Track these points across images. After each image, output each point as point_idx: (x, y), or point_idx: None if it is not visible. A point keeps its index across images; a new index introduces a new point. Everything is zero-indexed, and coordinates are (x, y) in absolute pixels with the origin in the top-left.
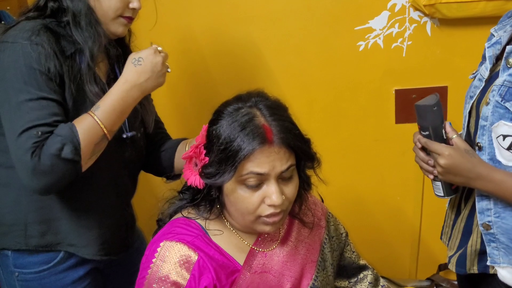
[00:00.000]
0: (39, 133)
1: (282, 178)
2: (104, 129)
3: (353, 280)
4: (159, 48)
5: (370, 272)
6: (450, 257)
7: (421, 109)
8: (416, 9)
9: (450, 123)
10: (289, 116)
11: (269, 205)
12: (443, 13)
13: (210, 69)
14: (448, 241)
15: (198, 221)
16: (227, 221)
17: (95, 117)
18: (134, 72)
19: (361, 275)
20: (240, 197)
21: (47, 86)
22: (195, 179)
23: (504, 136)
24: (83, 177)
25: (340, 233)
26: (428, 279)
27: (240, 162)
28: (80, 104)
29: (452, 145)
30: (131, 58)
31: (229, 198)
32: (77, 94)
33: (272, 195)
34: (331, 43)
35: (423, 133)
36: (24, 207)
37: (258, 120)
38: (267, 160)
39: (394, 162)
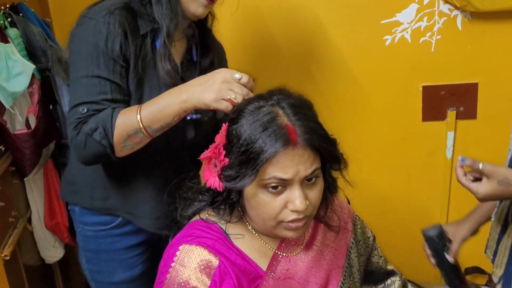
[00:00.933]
0: (85, 109)
1: (306, 182)
2: (141, 123)
3: (380, 286)
4: (244, 79)
5: (398, 278)
6: (499, 277)
7: (427, 238)
8: (446, 1)
9: (465, 159)
10: (314, 114)
11: (292, 211)
12: (475, 6)
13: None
14: (494, 257)
15: (219, 223)
16: (249, 224)
17: (138, 109)
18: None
19: (389, 281)
20: (262, 202)
21: (106, 65)
22: (214, 181)
23: None
24: (142, 152)
25: (367, 237)
26: None
27: (261, 166)
28: (145, 83)
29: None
30: None
31: (250, 202)
32: (143, 73)
33: (296, 201)
34: (356, 37)
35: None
36: (92, 172)
37: (281, 120)
38: (290, 164)
39: (421, 161)
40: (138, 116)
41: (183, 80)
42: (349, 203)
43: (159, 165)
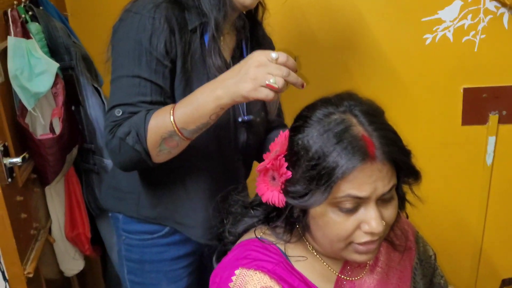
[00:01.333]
0: (120, 112)
1: (382, 200)
2: (175, 125)
3: None
4: (282, 58)
5: None
6: None
7: None
8: None
9: None
10: (388, 123)
11: (366, 232)
12: None
13: None
14: None
15: (278, 244)
16: (309, 244)
17: (171, 110)
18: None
19: None
20: (332, 222)
21: (148, 65)
22: (272, 196)
23: None
24: (192, 157)
25: (429, 256)
26: None
27: (336, 182)
28: (194, 83)
29: None
30: None
31: (317, 222)
32: (192, 72)
33: (372, 221)
34: (395, 35)
35: None
36: (139, 177)
37: (355, 130)
38: (368, 181)
39: (459, 167)
40: (172, 117)
41: None
42: (407, 217)
43: (210, 171)
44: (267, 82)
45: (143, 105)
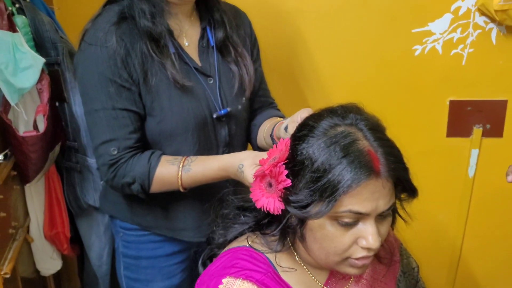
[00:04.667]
0: (116, 150)
1: (380, 216)
2: (180, 187)
3: None
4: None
5: None
6: None
7: None
8: (482, 13)
9: None
10: (391, 140)
11: (363, 248)
12: None
13: None
14: None
15: (266, 254)
16: (298, 255)
17: (180, 173)
18: (235, 175)
19: None
20: (330, 235)
21: (118, 95)
22: (268, 203)
23: None
24: None
25: (412, 268)
26: None
27: (340, 196)
28: (158, 95)
29: None
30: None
31: (315, 234)
32: (156, 84)
33: (369, 237)
34: (384, 44)
35: None
36: None
37: (362, 144)
38: (371, 197)
39: (441, 178)
40: (180, 179)
41: (202, 72)
42: (392, 229)
43: None
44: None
45: (129, 136)
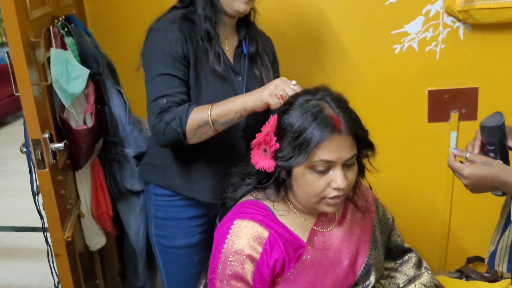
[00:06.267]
0: (165, 101)
1: (346, 165)
2: (210, 117)
3: (398, 261)
4: (298, 87)
5: (414, 255)
6: (489, 252)
7: (490, 129)
8: (449, 14)
9: (456, 149)
10: (352, 108)
11: (334, 188)
12: (476, 19)
13: None
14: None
15: (266, 202)
16: (290, 203)
17: (210, 106)
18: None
19: (406, 257)
20: (309, 181)
21: (173, 65)
22: (264, 163)
23: None
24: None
25: (387, 218)
26: (457, 270)
27: (313, 148)
28: (202, 78)
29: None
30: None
31: (298, 181)
32: (201, 70)
33: (338, 179)
34: (368, 45)
35: (489, 147)
36: (164, 154)
37: (327, 111)
38: (336, 149)
39: (427, 159)
40: (209, 111)
41: (234, 71)
42: (370, 188)
43: (215, 148)
44: (281, 93)
45: (177, 94)
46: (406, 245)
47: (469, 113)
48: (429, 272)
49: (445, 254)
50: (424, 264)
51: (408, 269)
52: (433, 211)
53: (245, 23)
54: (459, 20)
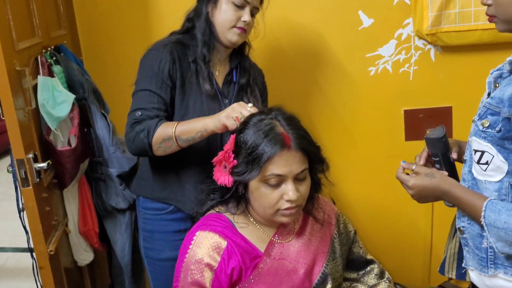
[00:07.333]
0: (139, 113)
1: (297, 179)
2: (174, 133)
3: (361, 272)
4: (253, 109)
5: (376, 266)
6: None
7: (432, 141)
8: (420, 37)
9: (404, 161)
10: (302, 126)
11: (287, 200)
12: (444, 41)
13: None
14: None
15: (227, 215)
16: (251, 216)
17: (176, 123)
18: (215, 117)
19: (368, 268)
20: (263, 194)
21: (156, 83)
22: (224, 179)
23: (475, 151)
24: (189, 156)
25: (348, 231)
26: (440, 286)
27: (264, 163)
28: (190, 97)
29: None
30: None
31: (254, 195)
32: (190, 90)
33: (289, 192)
34: (345, 68)
35: (434, 159)
36: (153, 168)
37: (278, 129)
38: (286, 164)
39: None
40: (174, 127)
41: (222, 94)
42: (334, 203)
43: (200, 164)
44: (236, 115)
45: (153, 110)
46: (369, 257)
47: None
48: (389, 282)
49: (428, 269)
50: (387, 275)
51: (370, 279)
52: (415, 227)
53: (239, 54)
54: (429, 42)
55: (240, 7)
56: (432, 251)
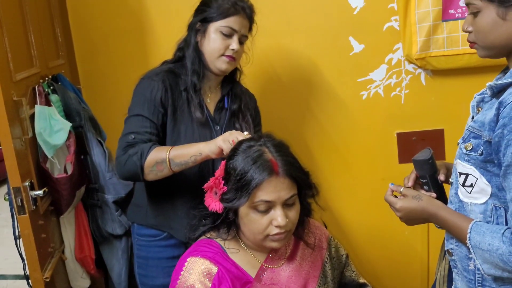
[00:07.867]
0: (132, 137)
1: (286, 204)
2: (168, 156)
3: None
4: (249, 136)
5: None
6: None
7: (419, 163)
8: (410, 62)
9: (393, 184)
10: (291, 153)
11: (276, 226)
12: (433, 65)
13: None
14: None
15: (218, 241)
16: (241, 241)
17: (170, 147)
18: (210, 143)
19: None
20: (252, 220)
21: (149, 109)
22: (215, 205)
23: (460, 174)
24: (181, 183)
25: (340, 255)
26: None
27: (253, 189)
28: (182, 124)
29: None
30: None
31: (243, 221)
32: (181, 117)
33: (278, 218)
34: (337, 93)
35: (422, 180)
36: (147, 195)
37: (266, 156)
38: (274, 190)
39: None
40: (168, 151)
41: (213, 120)
42: (326, 227)
43: (192, 190)
44: (233, 139)
45: (145, 134)
46: (361, 280)
47: (437, 154)
48: None
49: None
50: None
51: None
52: (411, 250)
53: (230, 81)
54: (419, 67)
55: (228, 35)
56: (430, 273)
